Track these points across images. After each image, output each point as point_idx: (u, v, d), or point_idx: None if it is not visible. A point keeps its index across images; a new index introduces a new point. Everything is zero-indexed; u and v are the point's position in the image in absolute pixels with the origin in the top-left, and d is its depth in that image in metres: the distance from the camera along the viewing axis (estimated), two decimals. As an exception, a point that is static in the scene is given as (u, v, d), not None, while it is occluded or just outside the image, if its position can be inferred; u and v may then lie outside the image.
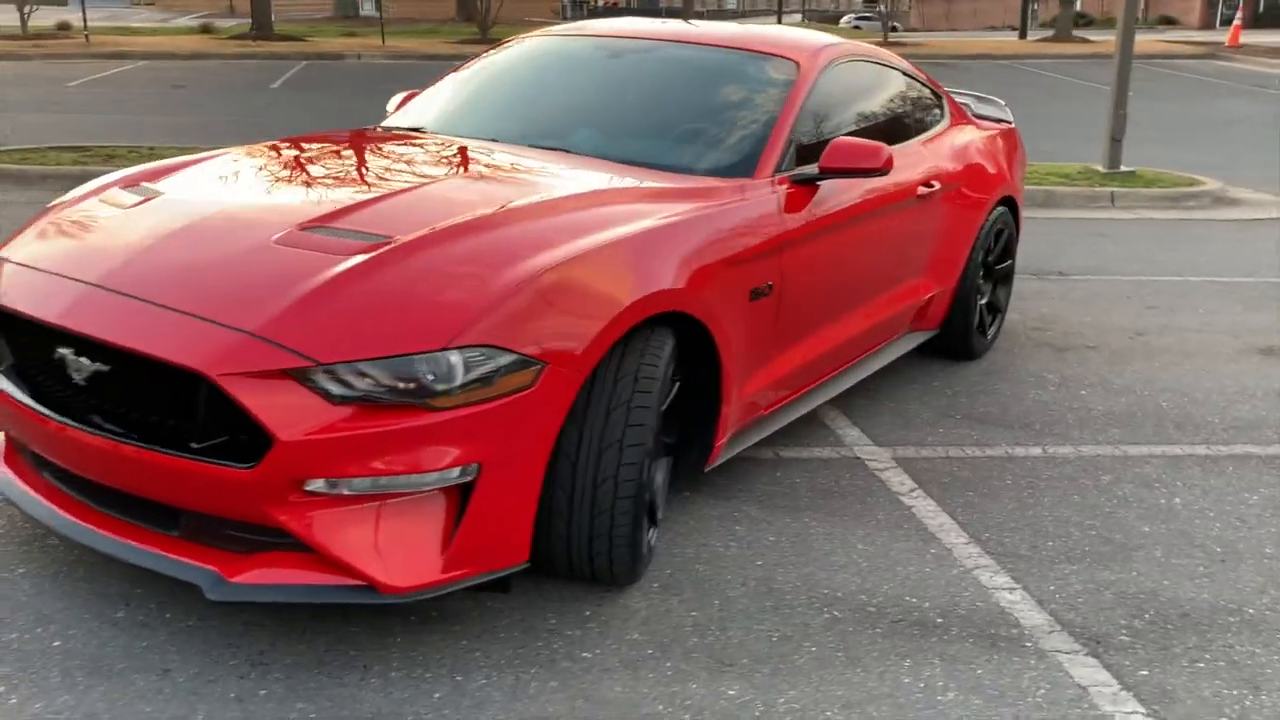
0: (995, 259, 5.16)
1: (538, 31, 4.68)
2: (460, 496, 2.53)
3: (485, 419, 2.49)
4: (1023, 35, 34.09)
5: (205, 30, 28.90)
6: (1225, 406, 4.66)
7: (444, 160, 3.57)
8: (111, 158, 9.18)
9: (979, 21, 55.00)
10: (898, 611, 2.96)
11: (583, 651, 2.71)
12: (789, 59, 3.97)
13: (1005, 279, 5.32)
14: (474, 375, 2.47)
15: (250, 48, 23.46)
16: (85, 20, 25.16)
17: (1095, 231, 8.34)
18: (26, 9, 24.18)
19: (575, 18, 36.78)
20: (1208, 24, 46.57)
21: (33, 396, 2.72)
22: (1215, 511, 3.67)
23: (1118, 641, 2.88)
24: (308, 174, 3.40)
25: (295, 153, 3.65)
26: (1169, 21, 48.20)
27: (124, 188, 3.24)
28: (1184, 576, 3.23)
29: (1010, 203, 5.20)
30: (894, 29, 36.24)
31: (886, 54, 4.74)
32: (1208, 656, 2.83)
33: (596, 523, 2.74)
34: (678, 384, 3.11)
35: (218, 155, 3.59)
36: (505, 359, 2.51)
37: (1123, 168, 10.06)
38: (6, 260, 2.94)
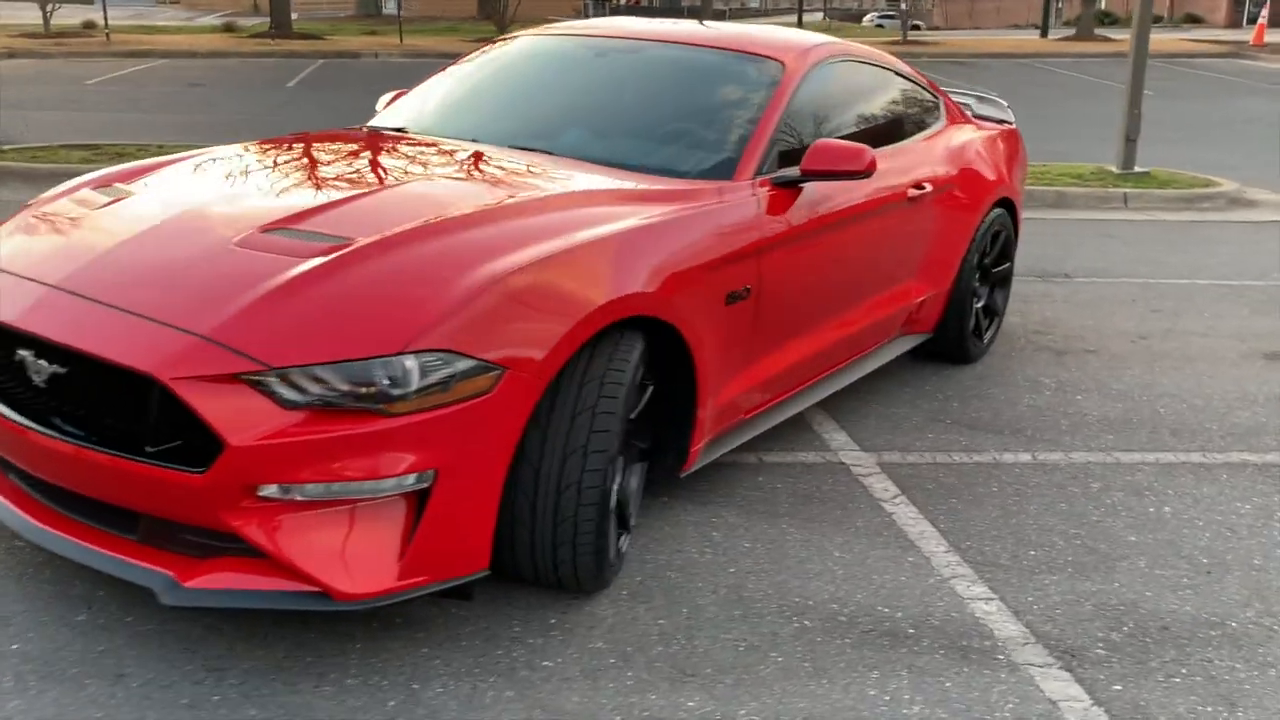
0: (992, 262, 5.09)
1: (528, 30, 4.65)
2: (417, 503, 2.50)
3: (442, 425, 2.45)
4: (1044, 33, 33.82)
5: (228, 29, 29.05)
6: (1225, 412, 4.58)
7: (419, 161, 3.54)
8: (121, 156, 9.21)
9: (1002, 20, 54.65)
10: (869, 621, 2.91)
11: (544, 660, 2.67)
12: (775, 59, 3.92)
13: (1003, 282, 5.25)
14: (430, 380, 2.43)
15: (268, 46, 23.58)
16: (106, 18, 25.36)
17: (1105, 233, 8.24)
18: (49, 7, 24.38)
19: (598, 15, 36.72)
20: (1234, 23, 46.11)
21: (-4, 398, 2.71)
22: (1205, 521, 3.59)
23: (1093, 655, 2.82)
24: (279, 175, 3.37)
25: (271, 153, 3.63)
26: (1194, 20, 47.75)
27: (95, 188, 3.23)
28: (1167, 588, 3.16)
29: (1008, 204, 5.12)
30: (916, 27, 36.06)
31: (880, 54, 4.68)
32: (1184, 671, 2.76)
33: (560, 529, 2.70)
34: (651, 388, 3.07)
35: (193, 156, 3.58)
36: (463, 364, 2.47)
37: (1137, 168, 9.93)
38: (-27, 262, 2.93)
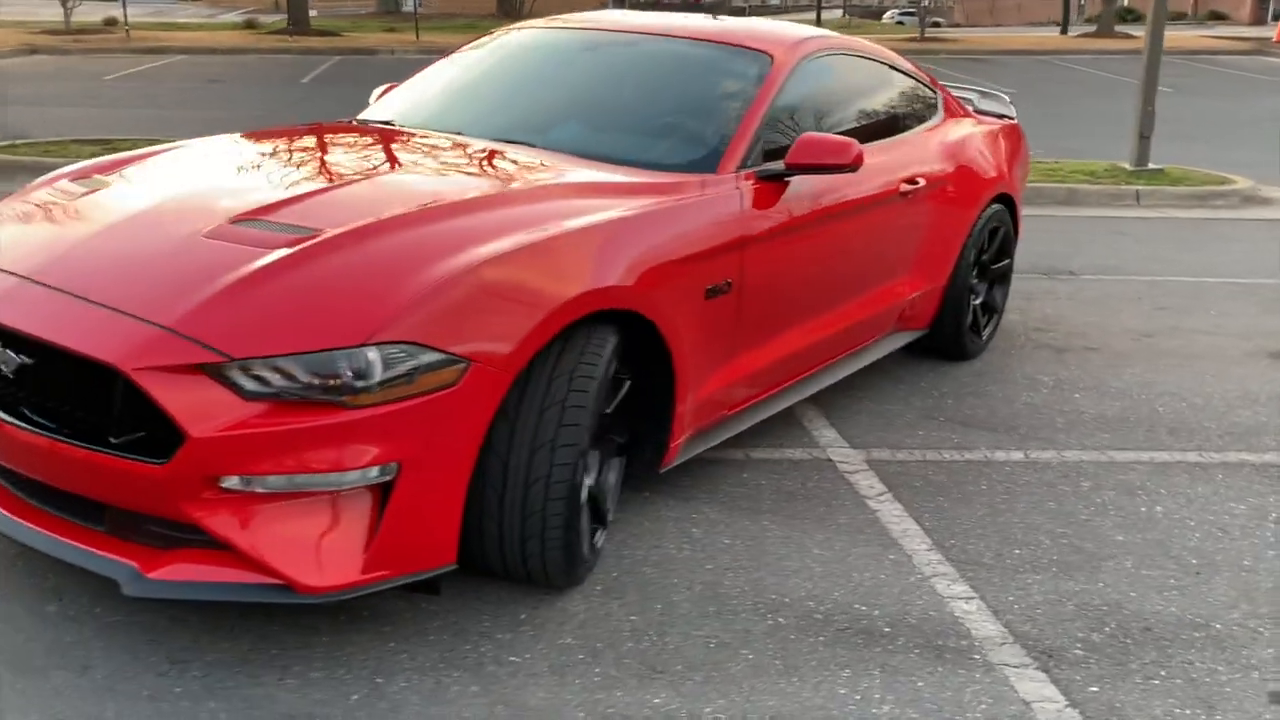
0: (990, 258, 5.03)
1: (520, 24, 4.63)
2: (382, 496, 2.48)
3: (406, 417, 2.43)
4: (1064, 30, 33.57)
5: (249, 26, 29.17)
6: (1224, 411, 4.51)
7: (400, 153, 3.52)
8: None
9: (1023, 17, 54.21)
10: (845, 619, 2.88)
11: (511, 655, 2.65)
12: (763, 52, 3.88)
13: (1002, 278, 5.19)
14: (394, 373, 2.41)
15: (286, 43, 23.67)
16: (125, 15, 25.51)
17: (1116, 230, 8.15)
18: (70, 4, 24.56)
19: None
20: (1258, 19, 45.64)
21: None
22: (1196, 521, 3.54)
23: (1071, 656, 2.77)
24: (258, 167, 3.37)
25: (252, 145, 3.62)
26: (1219, 17, 47.28)
27: (73, 180, 3.23)
28: (1153, 588, 3.11)
29: (1007, 200, 5.06)
30: (936, 24, 35.84)
31: (874, 47, 4.63)
32: (1164, 673, 2.71)
33: (528, 524, 2.68)
34: (628, 383, 3.04)
35: (174, 147, 3.57)
36: (428, 356, 2.45)
37: (1150, 165, 9.82)
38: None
